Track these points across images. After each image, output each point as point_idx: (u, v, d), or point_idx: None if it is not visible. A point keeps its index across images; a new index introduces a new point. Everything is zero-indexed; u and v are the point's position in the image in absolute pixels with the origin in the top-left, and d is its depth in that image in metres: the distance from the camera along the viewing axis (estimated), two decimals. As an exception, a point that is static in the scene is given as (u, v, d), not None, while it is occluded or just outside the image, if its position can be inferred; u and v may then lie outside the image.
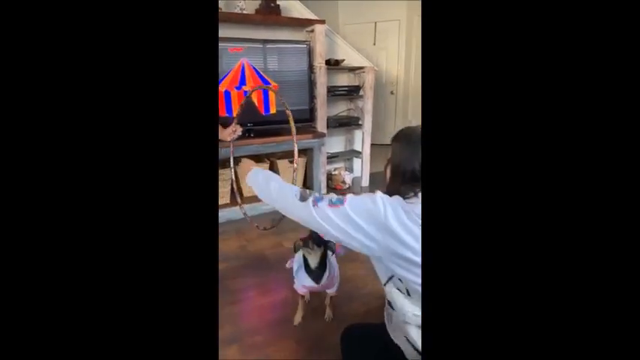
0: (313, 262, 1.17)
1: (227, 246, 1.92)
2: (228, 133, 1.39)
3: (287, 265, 1.30)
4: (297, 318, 1.30)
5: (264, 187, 0.86)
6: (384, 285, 0.77)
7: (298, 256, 1.23)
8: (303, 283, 1.20)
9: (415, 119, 4.11)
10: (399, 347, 0.83)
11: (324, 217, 0.70)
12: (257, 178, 0.90)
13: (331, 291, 1.27)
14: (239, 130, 1.37)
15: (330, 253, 1.20)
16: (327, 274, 1.17)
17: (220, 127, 1.41)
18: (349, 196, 0.72)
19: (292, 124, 1.20)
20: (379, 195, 0.71)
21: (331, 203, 0.72)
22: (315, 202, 0.73)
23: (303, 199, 0.76)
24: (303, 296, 1.31)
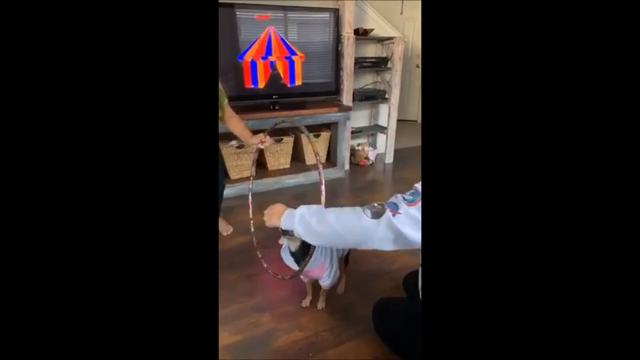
0: (292, 246, 1.06)
1: (254, 218, 1.94)
2: (254, 142, 1.43)
3: (279, 241, 1.15)
4: (306, 301, 1.26)
5: (316, 224, 0.75)
6: None
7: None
8: (287, 263, 1.12)
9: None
10: None
11: (411, 220, 0.62)
12: (298, 219, 0.78)
13: (323, 283, 1.15)
14: (268, 142, 1.39)
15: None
16: (309, 260, 1.01)
17: (250, 133, 1.49)
18: (419, 185, 0.66)
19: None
20: None
21: (410, 202, 0.64)
22: (393, 210, 0.65)
23: (377, 215, 0.67)
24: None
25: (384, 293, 1.28)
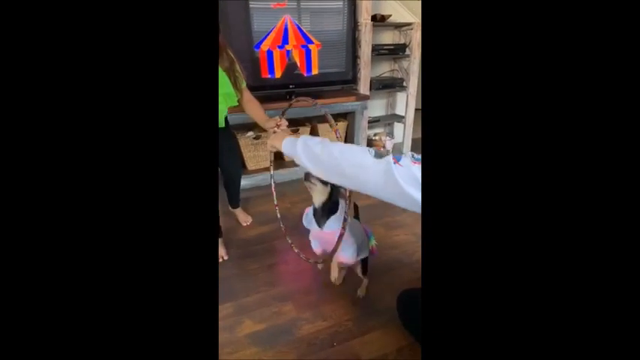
0: (316, 200, 1.05)
1: (271, 208, 1.94)
2: (270, 126, 1.41)
3: (306, 210, 1.19)
4: (333, 275, 1.21)
5: (320, 152, 0.75)
6: None
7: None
8: (310, 226, 1.13)
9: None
10: None
11: (409, 176, 0.62)
12: (301, 144, 0.79)
13: (343, 257, 1.11)
14: (283, 125, 1.37)
15: (342, 206, 1.05)
16: (333, 221, 1.02)
17: (267, 117, 1.46)
18: None
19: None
20: None
21: (417, 160, 0.63)
22: (396, 159, 0.65)
23: (379, 155, 0.67)
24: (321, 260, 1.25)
25: (405, 285, 1.27)
